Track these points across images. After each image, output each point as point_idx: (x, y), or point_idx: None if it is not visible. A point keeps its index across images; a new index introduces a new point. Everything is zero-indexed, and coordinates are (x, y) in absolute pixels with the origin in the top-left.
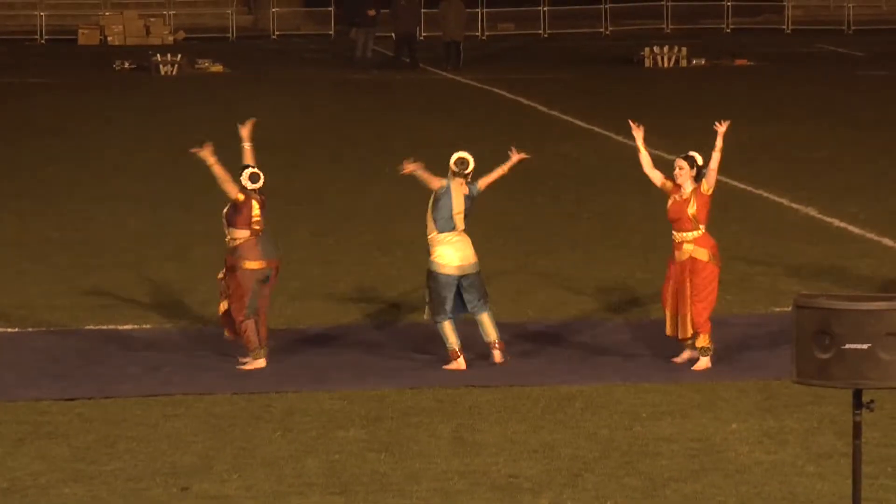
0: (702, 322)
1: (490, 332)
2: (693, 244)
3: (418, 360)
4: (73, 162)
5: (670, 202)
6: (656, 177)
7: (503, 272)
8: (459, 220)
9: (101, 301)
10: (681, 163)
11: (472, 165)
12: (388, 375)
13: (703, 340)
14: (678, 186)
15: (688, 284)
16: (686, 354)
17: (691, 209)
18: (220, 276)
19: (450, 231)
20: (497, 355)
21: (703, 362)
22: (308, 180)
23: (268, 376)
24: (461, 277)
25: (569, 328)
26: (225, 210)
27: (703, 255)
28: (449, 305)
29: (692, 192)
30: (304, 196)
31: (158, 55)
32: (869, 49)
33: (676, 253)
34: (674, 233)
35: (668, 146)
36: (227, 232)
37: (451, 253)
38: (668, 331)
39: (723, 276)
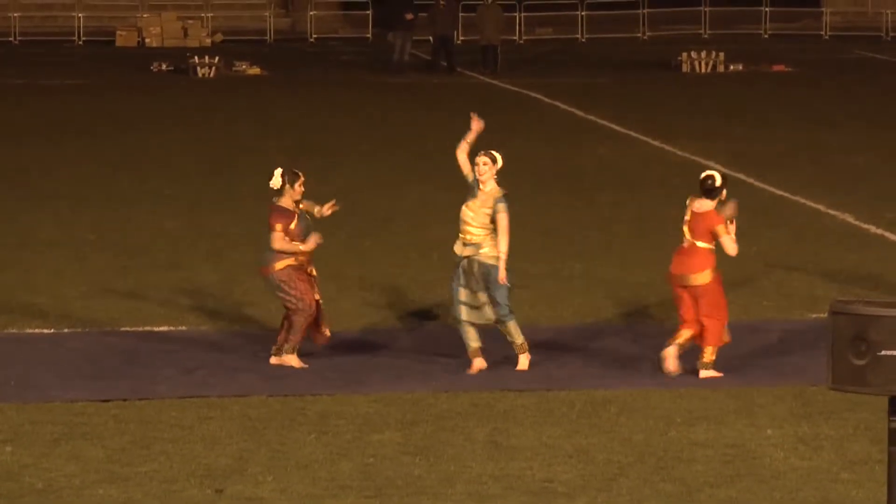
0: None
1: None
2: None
3: (454, 364)
4: (111, 163)
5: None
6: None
7: (538, 276)
8: None
9: (137, 302)
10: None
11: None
12: (424, 378)
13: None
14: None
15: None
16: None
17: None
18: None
19: None
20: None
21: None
22: (344, 182)
23: (302, 378)
24: None
25: (604, 332)
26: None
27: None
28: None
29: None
30: (340, 198)
31: (196, 57)
32: None
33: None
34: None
35: (703, 151)
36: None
37: None
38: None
39: (760, 281)
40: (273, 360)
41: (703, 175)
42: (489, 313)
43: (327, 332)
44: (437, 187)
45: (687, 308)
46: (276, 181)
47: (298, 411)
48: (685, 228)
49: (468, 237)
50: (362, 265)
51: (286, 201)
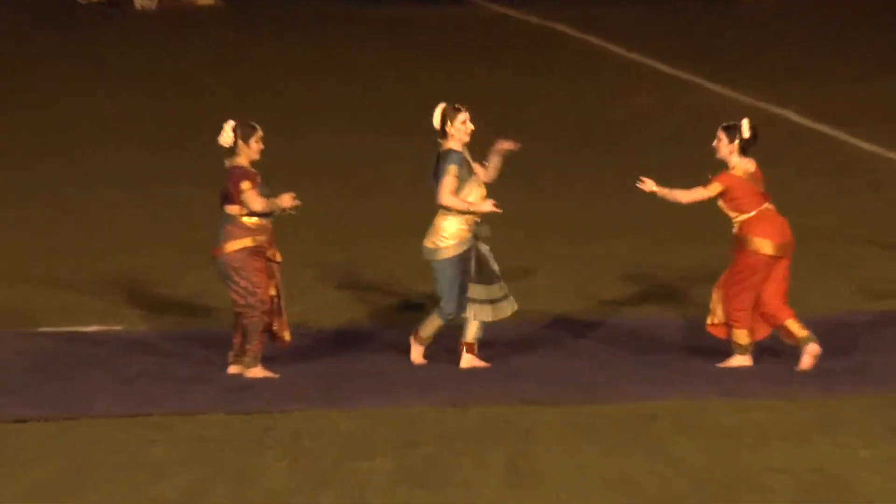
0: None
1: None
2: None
3: (461, 370)
4: (30, 123)
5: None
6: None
7: (559, 258)
8: None
9: (61, 295)
10: (718, 133)
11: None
12: (423, 389)
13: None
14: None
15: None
16: (809, 359)
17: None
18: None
19: None
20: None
21: (737, 360)
22: (321, 144)
23: (269, 391)
24: None
25: (647, 328)
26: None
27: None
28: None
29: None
30: (316, 164)
31: None
32: None
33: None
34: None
35: (773, 97)
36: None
37: None
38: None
39: (842, 260)
40: (232, 368)
41: (751, 123)
42: (506, 308)
43: (287, 337)
44: (434, 146)
45: (778, 289)
46: (226, 137)
47: (265, 432)
48: (758, 186)
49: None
50: (343, 246)
51: (242, 162)
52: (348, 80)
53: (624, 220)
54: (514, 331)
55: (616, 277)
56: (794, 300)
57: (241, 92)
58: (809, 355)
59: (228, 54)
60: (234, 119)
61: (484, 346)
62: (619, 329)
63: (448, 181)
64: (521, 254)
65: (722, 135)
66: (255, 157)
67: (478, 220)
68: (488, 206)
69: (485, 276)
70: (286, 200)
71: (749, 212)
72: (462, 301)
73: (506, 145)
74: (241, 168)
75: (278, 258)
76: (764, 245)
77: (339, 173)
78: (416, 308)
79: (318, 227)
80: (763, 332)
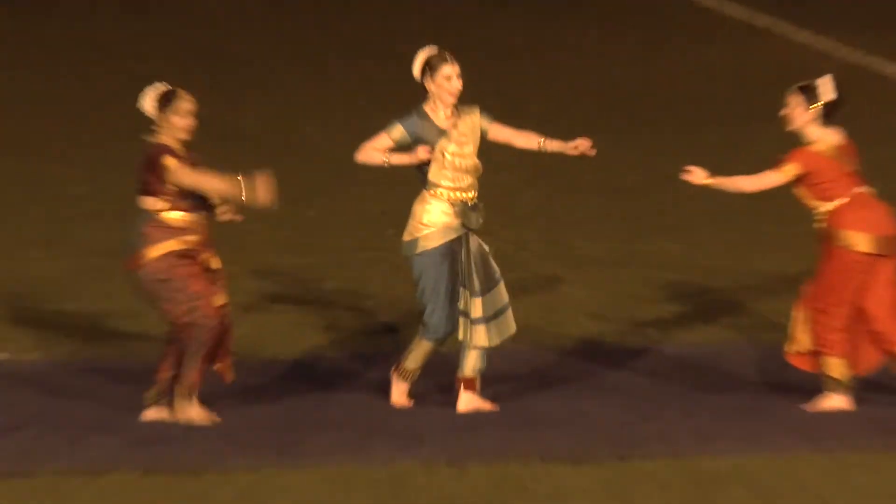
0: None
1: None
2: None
3: (458, 415)
4: None
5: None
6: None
7: (594, 262)
8: None
9: None
10: (788, 97)
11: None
12: (408, 441)
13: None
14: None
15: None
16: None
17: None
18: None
19: None
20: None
21: (832, 400)
22: (272, 112)
23: (203, 442)
24: None
25: (707, 357)
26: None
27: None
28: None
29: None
30: (269, 138)
31: None
32: None
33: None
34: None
35: (873, 46)
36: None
37: None
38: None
39: None
40: (151, 412)
41: (835, 81)
42: (510, 324)
43: (229, 375)
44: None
45: (887, 298)
46: (147, 103)
47: (198, 498)
48: (848, 165)
49: (467, 195)
50: (304, 248)
51: (166, 140)
52: (311, 28)
53: (676, 213)
54: (530, 360)
55: (664, 289)
56: None
57: (167, 53)
58: None
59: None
60: (160, 82)
61: (490, 382)
62: (669, 359)
63: (374, 139)
64: (540, 257)
65: (796, 98)
66: (183, 135)
67: (468, 201)
68: (421, 153)
69: (481, 282)
70: (263, 181)
71: (837, 198)
72: (452, 313)
73: (582, 147)
74: (160, 145)
75: (215, 264)
76: (859, 240)
77: (295, 150)
78: (398, 331)
79: (267, 224)
80: (869, 361)
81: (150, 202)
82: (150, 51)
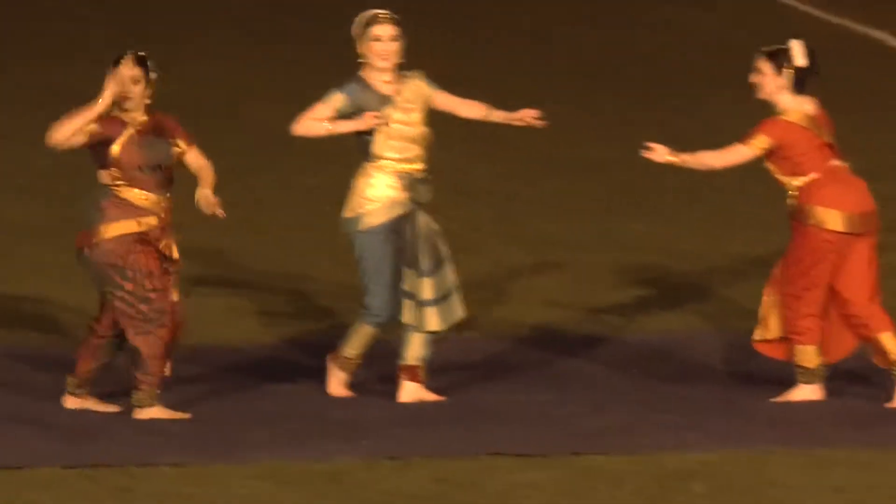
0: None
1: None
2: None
3: (401, 406)
4: None
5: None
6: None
7: (550, 244)
8: None
9: None
10: (758, 62)
11: None
12: (350, 434)
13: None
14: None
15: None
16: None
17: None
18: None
19: None
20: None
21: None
22: (230, 88)
23: (130, 436)
24: None
25: (671, 346)
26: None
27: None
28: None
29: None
30: (224, 113)
31: None
32: None
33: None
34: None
35: (872, 18)
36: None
37: None
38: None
39: None
40: (71, 401)
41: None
42: (458, 307)
43: (166, 370)
44: None
45: (863, 281)
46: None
47: (118, 494)
48: (821, 136)
49: (414, 166)
50: (257, 232)
51: (117, 111)
52: None
53: (642, 191)
54: (482, 349)
55: (627, 273)
56: (888, 305)
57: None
58: None
59: None
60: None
61: (437, 372)
62: (631, 348)
63: (312, 109)
64: (493, 236)
65: (765, 65)
66: (133, 105)
67: (416, 173)
68: (369, 119)
69: (429, 261)
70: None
71: (809, 173)
72: (396, 295)
73: (528, 118)
74: (113, 117)
75: (174, 254)
76: (831, 218)
77: (222, 119)
78: (339, 317)
79: (225, 204)
80: (844, 348)
81: (105, 176)
82: (54, 9)
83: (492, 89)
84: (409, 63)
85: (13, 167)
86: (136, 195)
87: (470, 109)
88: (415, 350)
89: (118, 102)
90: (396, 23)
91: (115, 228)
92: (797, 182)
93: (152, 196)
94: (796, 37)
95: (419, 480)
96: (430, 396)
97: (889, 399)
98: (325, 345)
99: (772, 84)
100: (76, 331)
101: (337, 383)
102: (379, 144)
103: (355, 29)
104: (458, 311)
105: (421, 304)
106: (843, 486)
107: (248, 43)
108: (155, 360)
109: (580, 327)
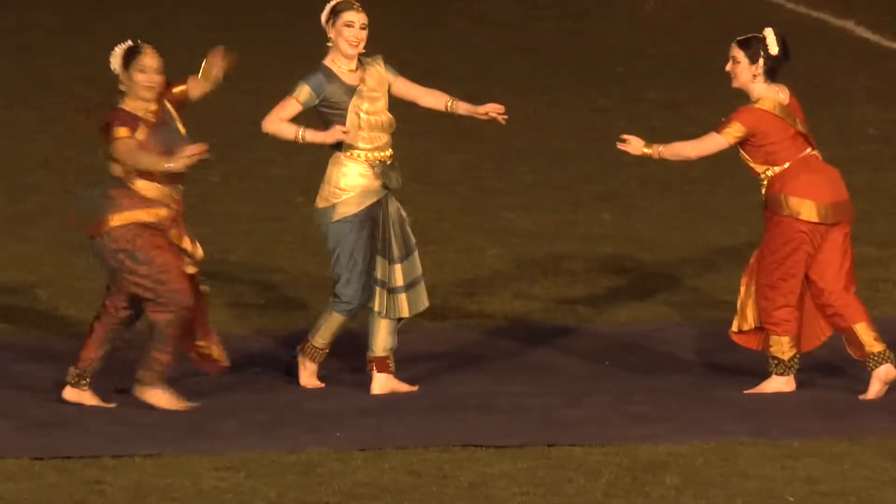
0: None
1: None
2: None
3: (372, 398)
4: None
5: (768, 114)
6: (714, 142)
7: (520, 233)
8: None
9: None
10: (733, 51)
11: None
12: (321, 424)
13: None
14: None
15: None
16: (878, 386)
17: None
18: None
19: None
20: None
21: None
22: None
23: (102, 427)
24: None
25: (643, 337)
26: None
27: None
28: None
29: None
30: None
31: None
32: None
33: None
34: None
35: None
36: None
37: None
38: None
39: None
40: (70, 393)
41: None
42: (424, 296)
43: (223, 359)
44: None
45: (838, 271)
46: (114, 61)
47: (87, 485)
48: (801, 126)
49: (385, 154)
50: (203, 220)
51: (130, 103)
52: None
53: (612, 180)
54: (452, 339)
55: (598, 262)
56: (864, 296)
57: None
58: (880, 381)
59: None
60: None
61: (406, 362)
62: (603, 339)
63: (281, 106)
64: (461, 227)
65: (738, 53)
66: (147, 95)
67: (386, 160)
68: (337, 133)
69: (399, 248)
70: (183, 158)
71: (782, 162)
72: (368, 283)
73: (493, 112)
74: (117, 111)
75: (186, 244)
76: (805, 208)
77: (194, 108)
78: (307, 308)
79: (212, 190)
80: (817, 336)
81: (117, 169)
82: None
83: (467, 81)
84: (380, 52)
85: None
86: (148, 187)
87: (431, 99)
88: (383, 340)
89: (140, 94)
90: (364, 12)
91: (124, 217)
92: (770, 171)
93: (164, 188)
94: (752, 28)
95: (392, 472)
96: (403, 387)
97: (864, 391)
98: (296, 336)
99: (746, 73)
100: (50, 322)
101: (308, 375)
102: (350, 135)
103: (325, 14)
104: (425, 299)
105: (392, 291)
106: (815, 477)
107: (217, 30)
108: (171, 339)
109: (550, 318)
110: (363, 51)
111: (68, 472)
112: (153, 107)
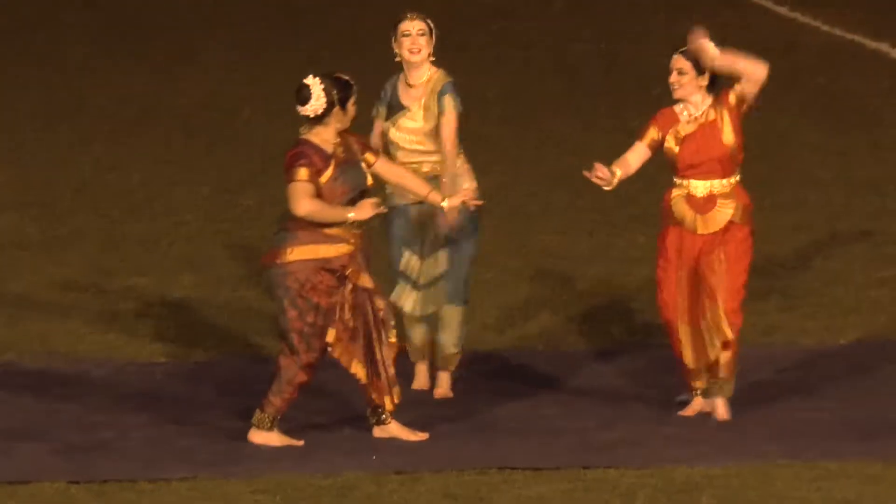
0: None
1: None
2: (731, 200)
3: (411, 412)
4: None
5: (677, 139)
6: (639, 153)
7: (555, 255)
8: None
9: None
10: (679, 62)
11: None
12: (354, 446)
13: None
14: (677, 109)
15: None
16: (699, 403)
17: (728, 137)
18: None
19: None
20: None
21: (722, 406)
22: (204, 90)
23: (135, 449)
24: None
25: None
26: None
27: (739, 215)
28: None
29: (717, 109)
30: (200, 117)
31: None
32: None
33: (697, 219)
34: (687, 183)
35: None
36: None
37: None
38: (691, 360)
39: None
40: (268, 437)
41: None
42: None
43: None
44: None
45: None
46: (316, 102)
47: None
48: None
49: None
50: (239, 242)
51: (323, 135)
52: None
53: (649, 201)
54: (488, 362)
55: (634, 285)
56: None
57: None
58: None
59: None
60: (315, 74)
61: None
62: (637, 361)
63: (374, 132)
64: (496, 249)
65: (686, 65)
66: (346, 126)
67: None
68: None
69: (428, 246)
70: (366, 209)
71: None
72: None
73: (465, 197)
74: (308, 144)
75: (363, 282)
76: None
77: (228, 132)
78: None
79: (200, 214)
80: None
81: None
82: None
83: (501, 104)
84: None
85: None
86: (333, 227)
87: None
88: (450, 338)
89: (327, 124)
90: (423, 19)
91: (301, 252)
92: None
93: (348, 229)
94: (783, 48)
95: (427, 495)
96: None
97: None
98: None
99: (692, 84)
100: (86, 347)
101: (423, 377)
102: (392, 154)
103: (391, 31)
104: (440, 300)
105: (415, 286)
106: (851, 499)
107: (242, 54)
108: (289, 385)
109: (586, 340)
110: (432, 57)
111: (105, 496)
112: (335, 141)
